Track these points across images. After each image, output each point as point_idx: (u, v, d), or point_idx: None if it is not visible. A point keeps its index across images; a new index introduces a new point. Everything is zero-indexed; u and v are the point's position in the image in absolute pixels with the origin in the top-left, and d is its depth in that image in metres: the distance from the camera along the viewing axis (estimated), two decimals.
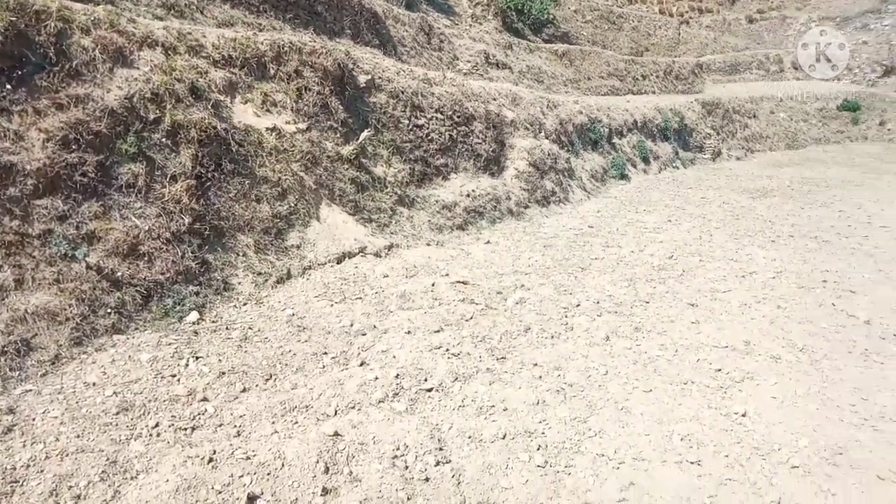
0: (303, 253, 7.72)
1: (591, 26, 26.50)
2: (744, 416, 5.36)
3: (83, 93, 6.37)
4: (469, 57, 17.30)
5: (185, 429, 4.53)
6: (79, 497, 3.76)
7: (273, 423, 4.69)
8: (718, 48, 32.07)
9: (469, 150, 11.58)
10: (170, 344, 5.63)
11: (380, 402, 5.10)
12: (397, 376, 5.45)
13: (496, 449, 4.71)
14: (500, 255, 9.26)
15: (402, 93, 10.66)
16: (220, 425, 4.63)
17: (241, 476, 4.06)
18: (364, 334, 6.26)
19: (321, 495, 4.02)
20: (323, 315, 6.58)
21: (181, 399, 4.87)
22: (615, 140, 17.11)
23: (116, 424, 4.47)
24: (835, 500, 4.39)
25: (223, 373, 5.28)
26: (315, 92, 9.12)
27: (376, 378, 5.39)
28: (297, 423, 4.73)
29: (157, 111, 6.89)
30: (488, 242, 9.91)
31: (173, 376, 5.16)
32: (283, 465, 4.21)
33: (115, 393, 4.81)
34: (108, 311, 5.68)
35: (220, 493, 3.90)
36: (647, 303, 7.79)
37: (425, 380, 5.49)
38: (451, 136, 11.24)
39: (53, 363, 5.07)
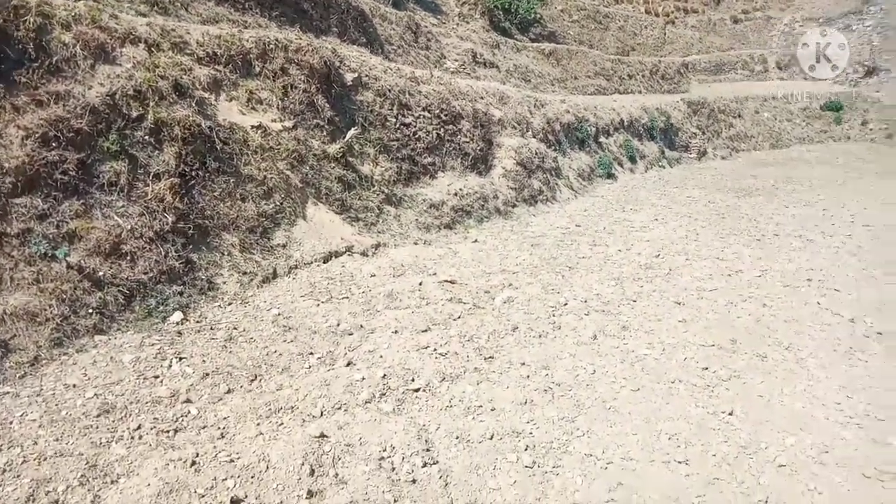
0: (289, 252, 7.65)
1: (578, 26, 26.56)
2: (731, 414, 5.37)
3: (64, 89, 6.25)
4: (456, 55, 17.27)
5: (168, 431, 4.46)
6: (57, 502, 3.68)
7: (258, 424, 4.63)
8: (704, 48, 32.29)
9: (456, 149, 11.54)
10: (153, 345, 5.54)
11: (366, 402, 5.05)
12: (384, 376, 5.40)
13: (484, 449, 4.68)
14: (487, 254, 9.23)
15: (390, 91, 10.60)
16: (204, 427, 4.56)
17: (225, 479, 3.99)
18: (351, 334, 6.20)
19: (306, 498, 3.96)
20: (309, 315, 6.52)
21: (164, 401, 4.79)
22: (602, 139, 17.16)
23: (97, 427, 4.39)
24: (821, 499, 4.40)
25: (207, 374, 5.21)
26: (301, 90, 9.04)
27: (363, 378, 5.34)
28: (282, 424, 4.67)
29: (140, 108, 6.78)
30: (476, 241, 9.88)
31: (156, 377, 5.08)
32: (267, 467, 4.15)
33: (95, 395, 4.72)
34: (90, 311, 5.58)
35: (202, 496, 3.84)
36: (635, 301, 7.80)
37: (412, 380, 5.45)
38: (438, 134, 11.19)
39: (32, 365, 4.97)
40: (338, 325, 6.35)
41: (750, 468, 4.68)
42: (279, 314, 6.45)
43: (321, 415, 4.82)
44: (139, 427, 4.45)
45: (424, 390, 5.33)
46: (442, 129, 11.32)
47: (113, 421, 4.49)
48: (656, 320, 7.27)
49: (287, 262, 7.49)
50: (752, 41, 35.08)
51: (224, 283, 6.78)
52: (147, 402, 4.74)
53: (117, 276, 5.91)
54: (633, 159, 18.02)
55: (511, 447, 4.73)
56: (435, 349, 5.99)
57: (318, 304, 6.77)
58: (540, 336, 6.61)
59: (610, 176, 16.29)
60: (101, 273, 5.80)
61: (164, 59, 7.40)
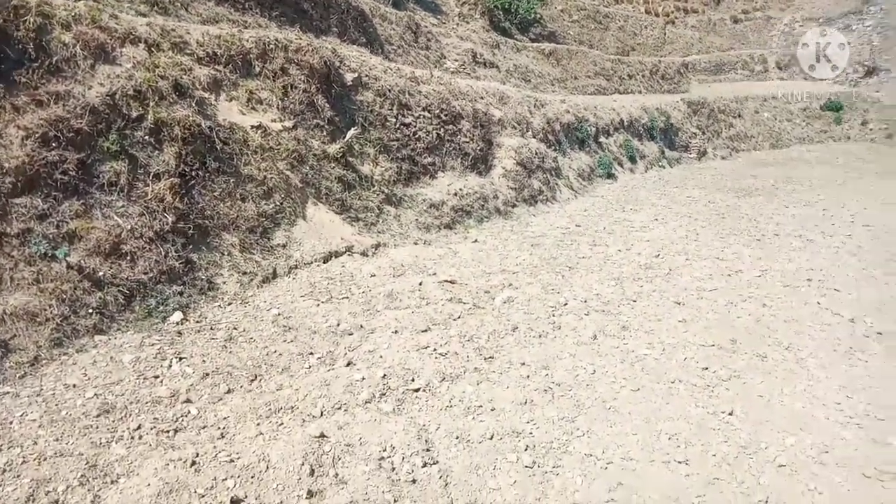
0: (289, 252, 7.65)
1: (578, 26, 26.56)
2: (731, 414, 5.37)
3: (63, 89, 6.25)
4: (456, 55, 17.26)
5: (168, 431, 4.46)
6: (57, 502, 3.68)
7: (258, 424, 4.62)
8: (704, 48, 32.29)
9: (456, 149, 11.54)
10: (153, 345, 5.54)
11: (366, 402, 5.05)
12: (384, 376, 5.40)
13: (484, 449, 4.68)
14: (487, 254, 9.23)
15: (390, 91, 10.59)
16: (204, 427, 4.56)
17: (225, 479, 3.99)
18: (351, 334, 6.20)
19: (306, 498, 3.96)
20: (309, 315, 6.52)
21: (164, 401, 4.79)
22: (602, 139, 17.15)
23: (97, 427, 4.39)
24: (821, 499, 4.40)
25: (207, 374, 5.21)
26: (301, 90, 9.04)
27: (363, 378, 5.34)
28: (282, 424, 4.66)
29: (140, 108, 6.78)
30: (476, 241, 9.88)
31: (156, 377, 5.08)
32: (267, 467, 4.15)
33: (95, 395, 4.72)
34: (90, 311, 5.58)
35: (202, 496, 3.84)
36: (635, 301, 7.80)
37: (412, 380, 5.45)
38: (438, 134, 11.19)
39: (32, 365, 4.97)
40: (338, 325, 6.35)
41: (750, 468, 4.68)
42: (279, 314, 6.45)
43: (321, 415, 4.82)
44: (139, 427, 4.45)
45: (424, 390, 5.33)
46: (442, 129, 11.32)
47: (113, 421, 4.49)
48: (656, 320, 7.27)
49: (287, 262, 7.49)
50: (752, 41, 35.08)
51: (224, 283, 6.77)
52: (147, 402, 4.74)
53: (117, 276, 5.91)
54: (633, 159, 18.02)
55: (511, 447, 4.73)
56: (435, 349, 5.99)
57: (318, 304, 6.77)
58: (540, 336, 6.61)
59: (610, 176, 16.29)
60: (101, 273, 5.80)
61: (164, 59, 7.40)
